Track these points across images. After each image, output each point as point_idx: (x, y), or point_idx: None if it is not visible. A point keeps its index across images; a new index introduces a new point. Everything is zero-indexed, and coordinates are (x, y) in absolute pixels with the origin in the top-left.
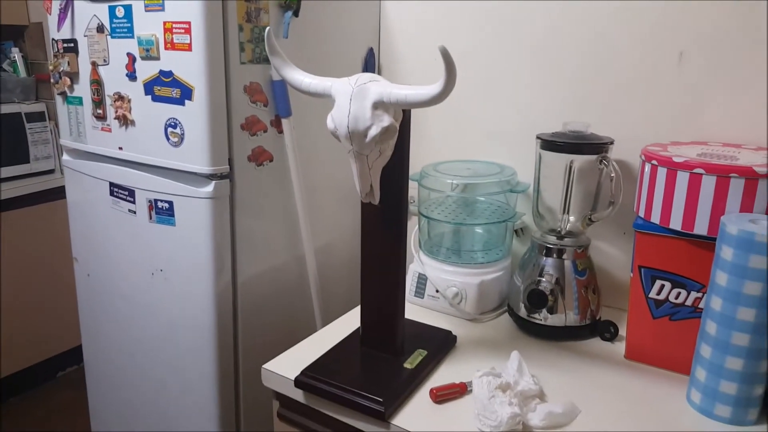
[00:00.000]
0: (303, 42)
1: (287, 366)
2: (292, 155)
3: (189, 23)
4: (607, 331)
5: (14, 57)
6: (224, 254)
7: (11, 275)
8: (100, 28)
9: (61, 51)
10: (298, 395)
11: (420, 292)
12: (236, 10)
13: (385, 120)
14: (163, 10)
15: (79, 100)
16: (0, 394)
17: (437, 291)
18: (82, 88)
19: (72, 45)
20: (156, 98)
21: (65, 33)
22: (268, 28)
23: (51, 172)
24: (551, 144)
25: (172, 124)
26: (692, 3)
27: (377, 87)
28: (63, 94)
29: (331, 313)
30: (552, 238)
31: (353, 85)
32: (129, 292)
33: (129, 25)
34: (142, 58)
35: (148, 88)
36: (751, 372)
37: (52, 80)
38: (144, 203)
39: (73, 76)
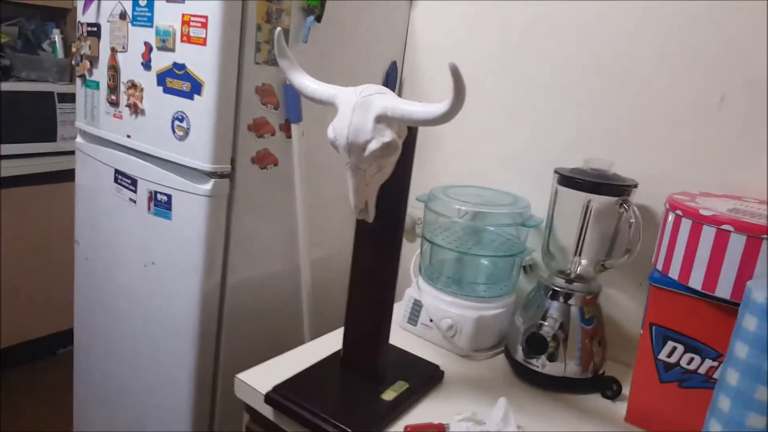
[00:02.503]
0: (323, 49)
1: (262, 378)
2: (298, 162)
3: (206, 17)
4: (609, 388)
5: (54, 38)
6: (215, 254)
7: (26, 248)
8: (123, 15)
9: (85, 34)
10: (267, 412)
11: (413, 319)
12: (256, 9)
13: (387, 135)
14: (183, 2)
15: (96, 84)
16: None
17: (431, 320)
18: (100, 73)
19: (95, 29)
20: (167, 90)
21: (90, 17)
22: (278, 29)
23: (74, 153)
24: (569, 180)
25: (180, 117)
26: (742, 43)
27: (382, 100)
28: (82, 76)
29: (322, 330)
30: (560, 281)
31: (358, 95)
32: (122, 281)
33: (150, 14)
34: (158, 49)
35: (161, 78)
36: None
37: (73, 62)
38: (145, 194)
39: (93, 60)
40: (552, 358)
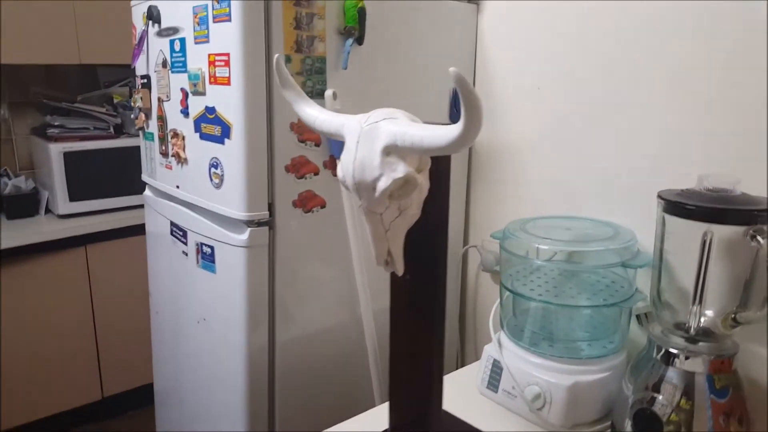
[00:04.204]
0: (369, 74)
1: None
2: (348, 202)
3: (228, 55)
4: None
5: None
6: (260, 309)
7: (133, 295)
8: (165, 63)
9: (139, 87)
10: None
11: (493, 384)
12: (283, 39)
13: (399, 170)
14: (208, 41)
15: (151, 136)
16: (101, 414)
17: (514, 387)
18: (154, 124)
19: (146, 81)
20: (203, 136)
21: (141, 68)
22: (277, 55)
23: None
24: (677, 207)
25: (215, 163)
26: None
27: (391, 126)
28: (141, 129)
29: None
30: (677, 339)
31: (363, 124)
32: (183, 336)
33: (183, 59)
34: (192, 94)
35: (197, 125)
36: None
37: (132, 116)
38: (193, 246)
39: (147, 112)
40: None
